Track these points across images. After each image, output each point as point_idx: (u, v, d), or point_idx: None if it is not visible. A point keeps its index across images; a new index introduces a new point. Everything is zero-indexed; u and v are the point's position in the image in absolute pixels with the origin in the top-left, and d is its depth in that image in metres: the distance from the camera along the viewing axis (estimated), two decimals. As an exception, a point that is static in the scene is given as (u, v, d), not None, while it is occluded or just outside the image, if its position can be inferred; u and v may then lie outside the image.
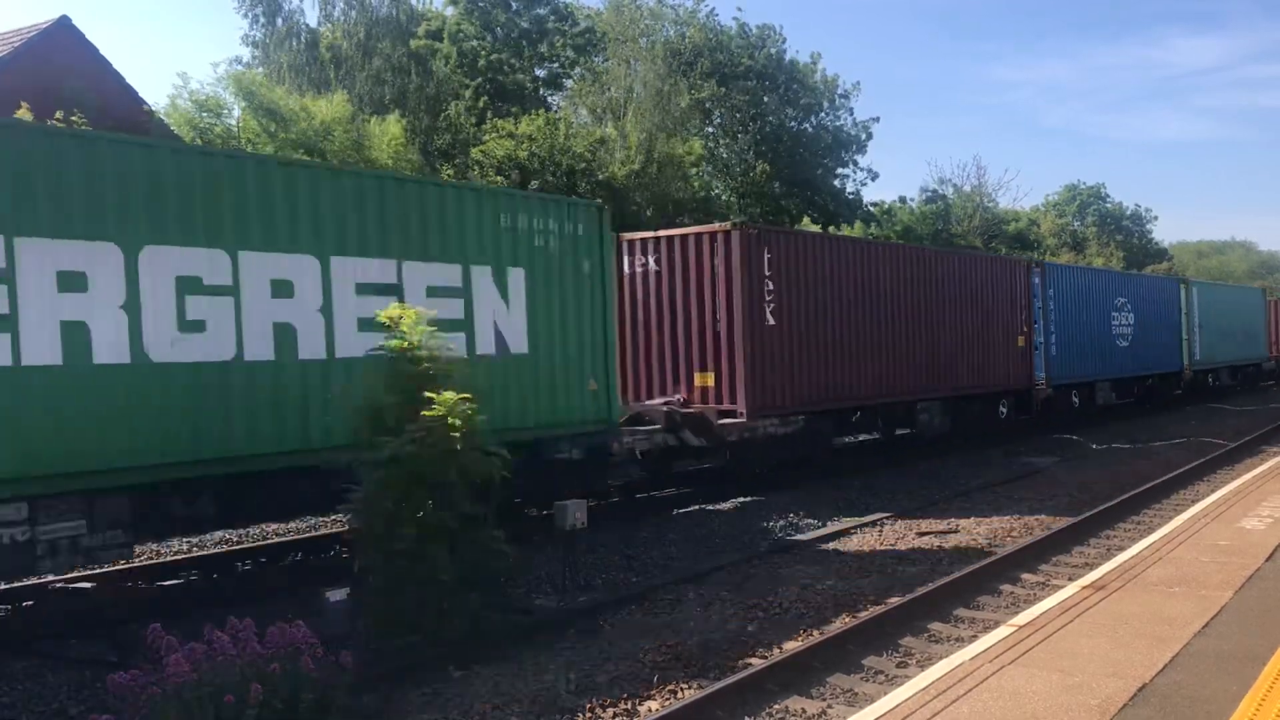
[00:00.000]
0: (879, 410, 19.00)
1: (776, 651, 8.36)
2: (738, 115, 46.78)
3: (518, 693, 7.47)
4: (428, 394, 8.38)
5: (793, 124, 49.05)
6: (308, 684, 5.90)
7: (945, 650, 8.08)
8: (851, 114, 51.25)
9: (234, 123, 21.75)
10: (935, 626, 9.07)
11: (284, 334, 9.61)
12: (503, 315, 11.82)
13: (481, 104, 36.47)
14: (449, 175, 28.55)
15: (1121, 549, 10.52)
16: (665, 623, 9.34)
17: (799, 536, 12.98)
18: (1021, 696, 5.58)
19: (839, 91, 50.49)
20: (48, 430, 8.04)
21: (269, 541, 13.00)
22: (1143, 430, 25.50)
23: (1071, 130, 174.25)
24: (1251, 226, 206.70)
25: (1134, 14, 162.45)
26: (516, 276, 11.98)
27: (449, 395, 8.31)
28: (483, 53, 39.56)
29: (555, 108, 40.25)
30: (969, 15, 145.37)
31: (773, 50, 48.23)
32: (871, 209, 52.48)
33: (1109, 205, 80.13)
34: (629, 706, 7.29)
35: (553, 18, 43.14)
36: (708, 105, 44.38)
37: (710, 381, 15.66)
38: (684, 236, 16.18)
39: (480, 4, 41.40)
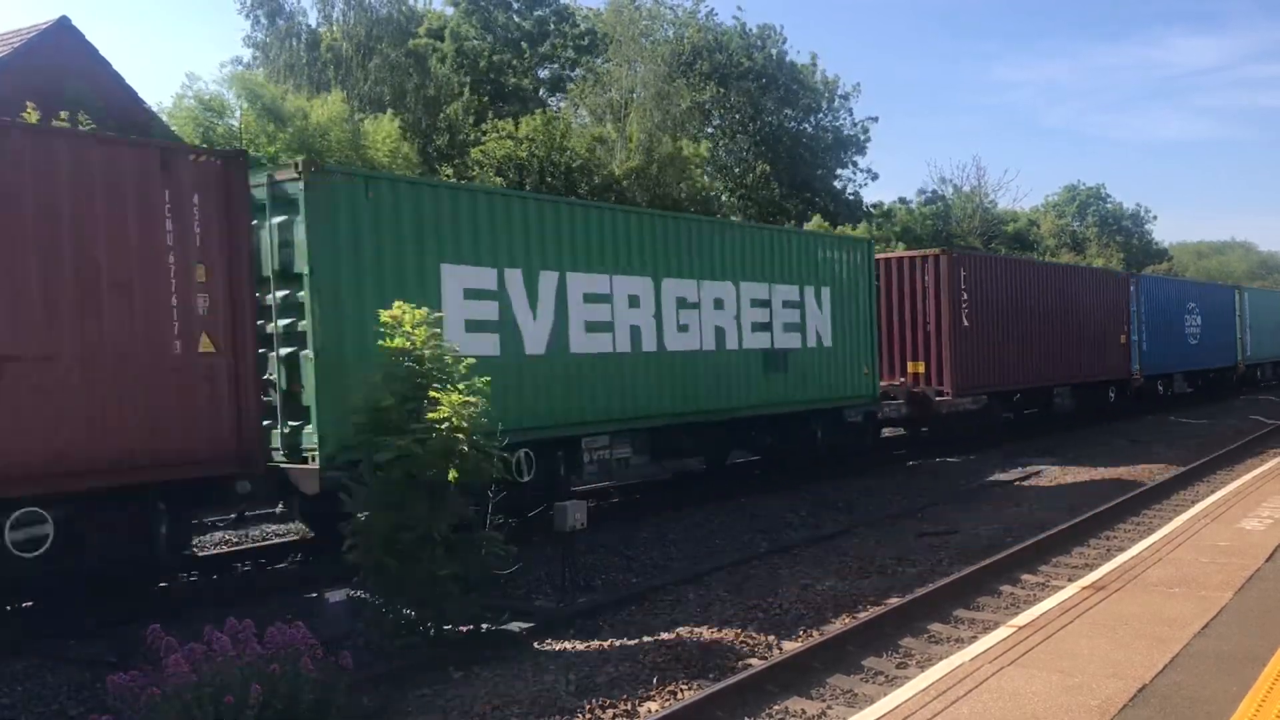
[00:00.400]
0: (1029, 393, 24.23)
1: (776, 652, 8.36)
2: (737, 116, 46.80)
3: (518, 693, 7.47)
4: (432, 394, 8.39)
5: (792, 124, 49.08)
6: (307, 684, 5.90)
7: (945, 651, 8.08)
8: (851, 114, 51.32)
9: (235, 122, 21.73)
10: (935, 627, 9.07)
11: (720, 334, 15.18)
12: (820, 320, 17.04)
13: (481, 104, 36.47)
14: (449, 175, 28.53)
15: (1121, 549, 10.52)
16: (665, 623, 9.34)
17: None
18: (1021, 697, 5.57)
19: (839, 92, 50.54)
20: (622, 393, 13.50)
21: (269, 542, 13.01)
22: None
23: (1071, 130, 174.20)
24: (1251, 226, 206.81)
25: (1134, 14, 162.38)
26: (825, 293, 17.19)
27: (453, 396, 8.31)
28: (484, 53, 39.56)
29: (557, 108, 40.26)
30: (969, 15, 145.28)
31: (773, 51, 48.25)
32: (871, 209, 52.50)
33: (1109, 205, 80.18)
34: (629, 706, 7.29)
35: (554, 18, 43.16)
36: (707, 107, 44.40)
37: (921, 369, 20.52)
38: (900, 259, 21.45)
39: (481, 4, 41.41)
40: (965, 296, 20.69)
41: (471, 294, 11.61)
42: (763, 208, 44.75)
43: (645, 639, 8.80)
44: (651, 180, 32.70)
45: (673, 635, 8.88)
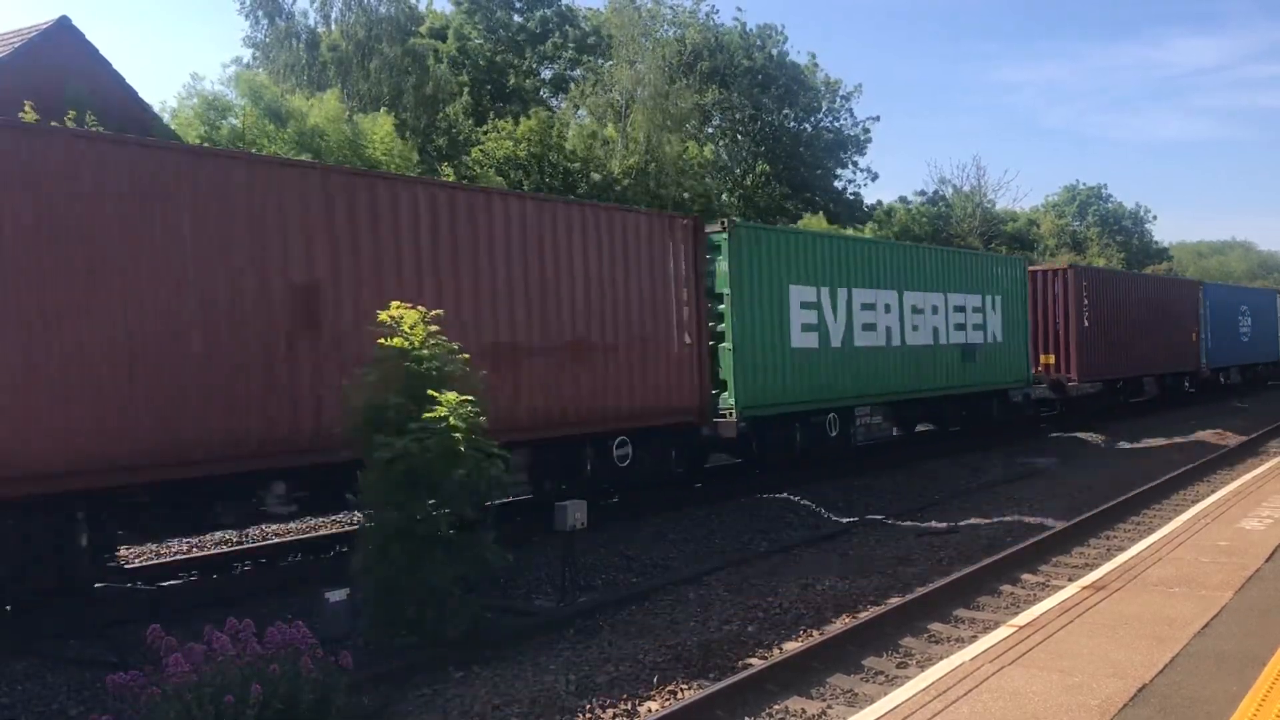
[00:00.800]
0: (1128, 381, 29.22)
1: (776, 652, 8.36)
2: (737, 116, 46.79)
3: (518, 693, 7.47)
4: (430, 393, 8.39)
5: (792, 124, 49.07)
6: (307, 684, 5.89)
7: (945, 650, 8.08)
8: (852, 115, 51.31)
9: (237, 122, 21.72)
10: (935, 626, 9.07)
11: (936, 332, 19.99)
12: (995, 321, 21.97)
13: (481, 104, 36.46)
14: (448, 175, 28.49)
15: (1122, 549, 10.52)
16: (665, 623, 9.34)
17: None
18: (1021, 697, 5.57)
19: (840, 93, 50.54)
20: (880, 375, 18.25)
21: (269, 542, 12.99)
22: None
23: (1072, 130, 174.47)
24: (1251, 226, 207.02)
25: (1134, 14, 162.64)
26: (998, 301, 22.17)
27: (451, 396, 8.31)
28: (485, 52, 39.54)
29: (558, 108, 40.25)
30: (969, 15, 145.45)
31: (773, 51, 48.24)
32: (872, 209, 52.51)
33: (1109, 205, 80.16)
34: (629, 706, 7.29)
35: (556, 18, 43.14)
36: (708, 108, 44.41)
37: (1051, 360, 25.33)
38: (1037, 271, 26.18)
39: (483, 4, 41.39)
40: (1086, 303, 25.81)
41: (804, 305, 16.62)
42: (762, 208, 44.73)
43: (645, 639, 8.80)
44: (651, 180, 32.69)
45: (673, 635, 8.88)
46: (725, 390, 15.11)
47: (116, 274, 8.62)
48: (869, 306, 18.08)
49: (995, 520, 14.38)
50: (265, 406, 9.56)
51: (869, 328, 18.07)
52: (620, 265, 13.36)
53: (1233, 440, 23.69)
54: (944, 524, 14.07)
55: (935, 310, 20.04)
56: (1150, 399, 30.82)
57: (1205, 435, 24.94)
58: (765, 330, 15.76)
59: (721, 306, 15.21)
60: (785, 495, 15.74)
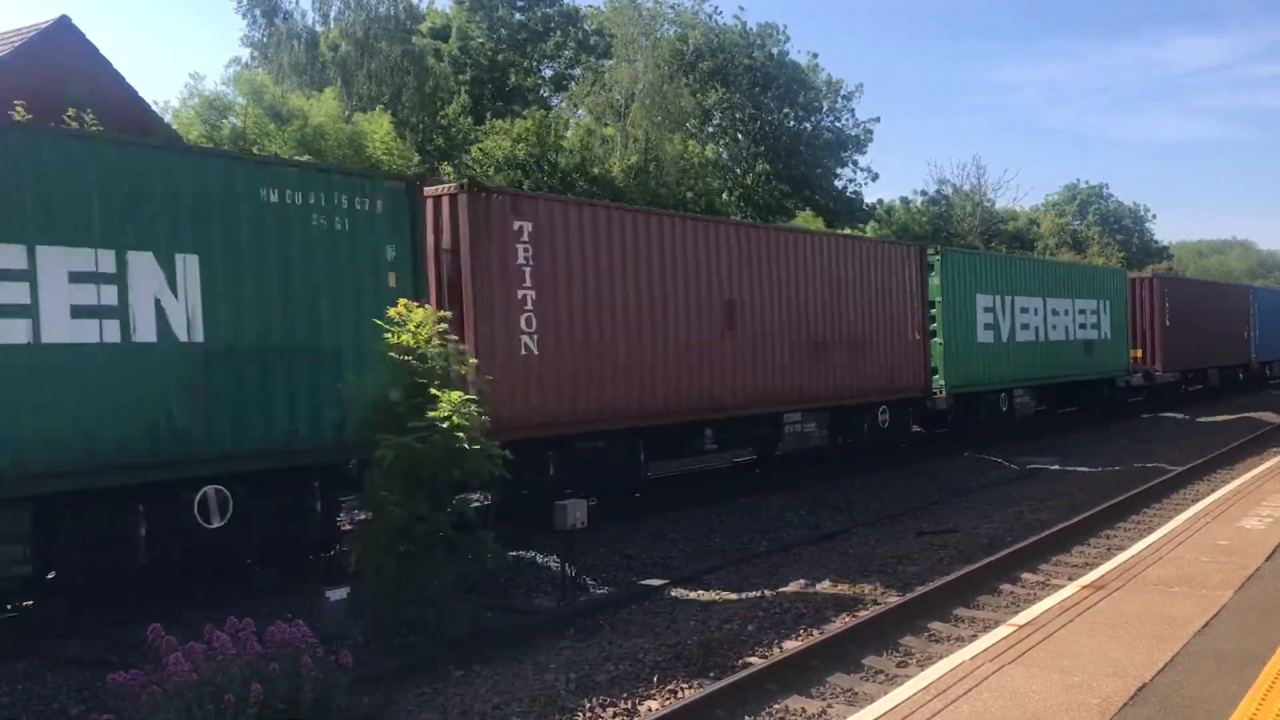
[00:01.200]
0: (1195, 371, 34.14)
1: (776, 651, 8.36)
2: (738, 115, 46.79)
3: (518, 692, 7.47)
4: (433, 392, 8.39)
5: (792, 124, 49.05)
6: (308, 683, 5.90)
7: (945, 649, 8.08)
8: (853, 115, 51.29)
9: (238, 121, 21.72)
10: (935, 626, 9.07)
11: (1067, 330, 24.91)
12: (1105, 321, 27.14)
13: (480, 103, 36.44)
14: (448, 173, 28.50)
15: (1122, 548, 10.52)
16: (665, 622, 9.34)
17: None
18: (1021, 696, 5.57)
19: (841, 93, 50.52)
20: (1029, 365, 23.35)
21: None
22: None
23: (1072, 130, 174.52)
24: (1251, 226, 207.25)
25: (1134, 14, 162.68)
26: (1106, 305, 27.30)
27: (454, 395, 8.30)
28: (487, 51, 39.52)
29: (558, 106, 40.23)
30: (970, 15, 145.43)
31: (774, 50, 48.22)
32: (872, 208, 52.50)
33: (1109, 204, 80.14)
34: (629, 706, 7.28)
35: (558, 18, 43.12)
36: (709, 107, 44.39)
37: (1139, 354, 30.03)
38: (1129, 280, 30.98)
39: (485, 3, 41.37)
40: (1167, 306, 30.91)
41: (985, 309, 21.81)
42: (762, 207, 44.73)
43: (645, 638, 8.80)
44: (651, 179, 32.69)
45: (672, 634, 8.88)
46: (936, 374, 20.26)
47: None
48: (1025, 310, 23.41)
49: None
50: (707, 377, 14.75)
51: (1024, 327, 23.33)
52: (879, 283, 18.53)
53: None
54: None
55: (1066, 313, 25.22)
56: (1212, 387, 36.26)
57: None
58: (961, 329, 20.94)
59: (934, 311, 20.22)
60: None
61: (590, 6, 43.68)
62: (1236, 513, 11.09)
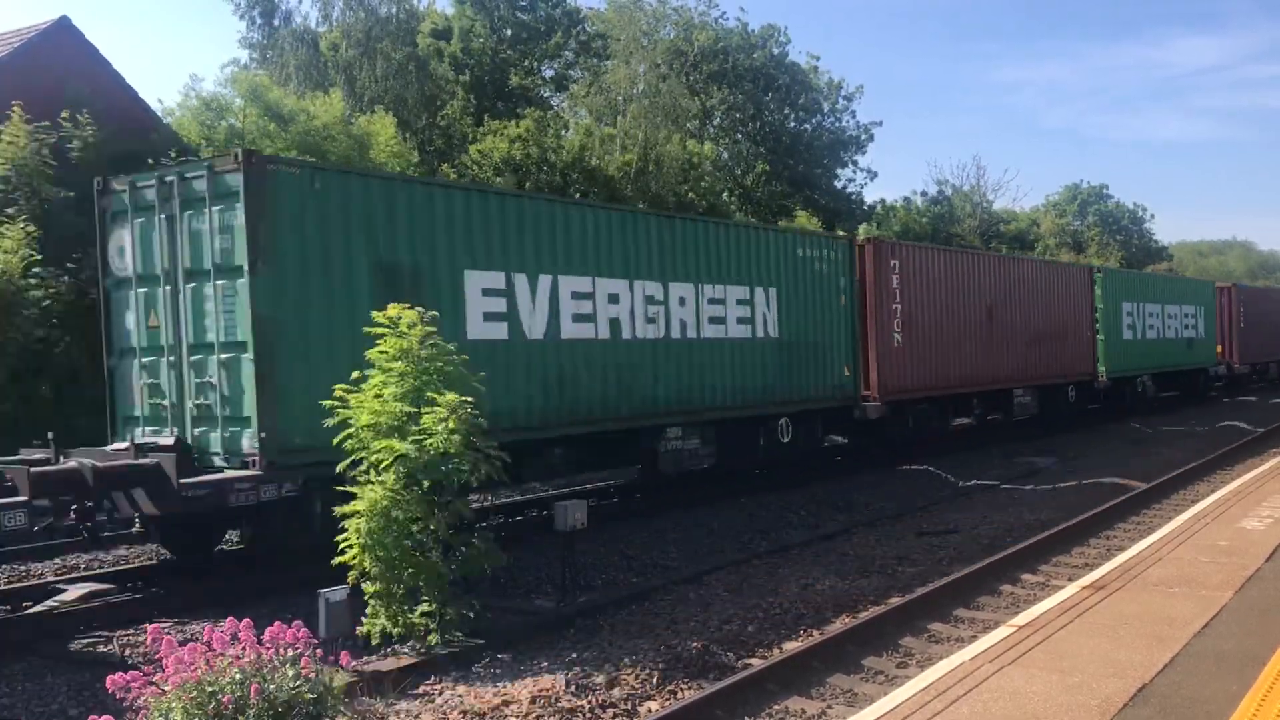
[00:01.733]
0: (1260, 364, 40.47)
1: (776, 651, 8.36)
2: (738, 115, 46.78)
3: (518, 692, 7.47)
4: (430, 395, 8.38)
5: (792, 125, 49.03)
6: (307, 684, 5.89)
7: (945, 650, 8.07)
8: (854, 116, 51.26)
9: (237, 122, 21.65)
10: (935, 626, 9.06)
11: (1173, 329, 32.28)
12: (1200, 323, 34.12)
13: (482, 103, 36.40)
14: (448, 174, 28.47)
15: (1122, 549, 10.52)
16: (665, 623, 9.34)
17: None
18: (1021, 696, 5.57)
19: (842, 93, 50.49)
20: (1143, 357, 30.04)
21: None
22: None
23: (1072, 130, 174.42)
24: (1251, 226, 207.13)
25: (1134, 14, 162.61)
26: (1200, 309, 34.29)
27: (450, 396, 8.30)
28: (488, 51, 39.47)
29: (558, 106, 40.20)
30: (970, 16, 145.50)
31: (775, 50, 48.21)
32: (872, 208, 52.46)
33: (1109, 204, 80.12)
34: (629, 706, 7.28)
35: (560, 18, 43.06)
36: (710, 106, 44.34)
37: (1220, 350, 36.19)
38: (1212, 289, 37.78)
39: (486, 4, 41.30)
40: (1241, 310, 37.38)
41: (1127, 313, 28.22)
42: (762, 207, 44.70)
43: (645, 638, 8.79)
44: (650, 179, 32.66)
45: (672, 634, 8.88)
46: (1099, 363, 26.81)
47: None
48: (1151, 314, 30.25)
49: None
50: (974, 358, 21.09)
51: (1151, 327, 30.21)
52: (1067, 294, 25.66)
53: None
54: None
55: (1175, 316, 32.05)
56: (1272, 379, 42.50)
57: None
58: (1113, 329, 27.57)
59: (1096, 314, 26.92)
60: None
61: (591, 9, 43.68)
62: (1237, 513, 11.09)
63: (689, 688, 7.56)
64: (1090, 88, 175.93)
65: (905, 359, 18.82)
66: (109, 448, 10.31)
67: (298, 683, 5.83)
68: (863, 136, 51.65)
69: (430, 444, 8.18)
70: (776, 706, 7.15)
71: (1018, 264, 25.30)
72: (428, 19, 38.74)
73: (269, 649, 5.89)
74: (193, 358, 10.31)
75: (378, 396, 8.42)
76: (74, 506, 9.48)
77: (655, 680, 7.73)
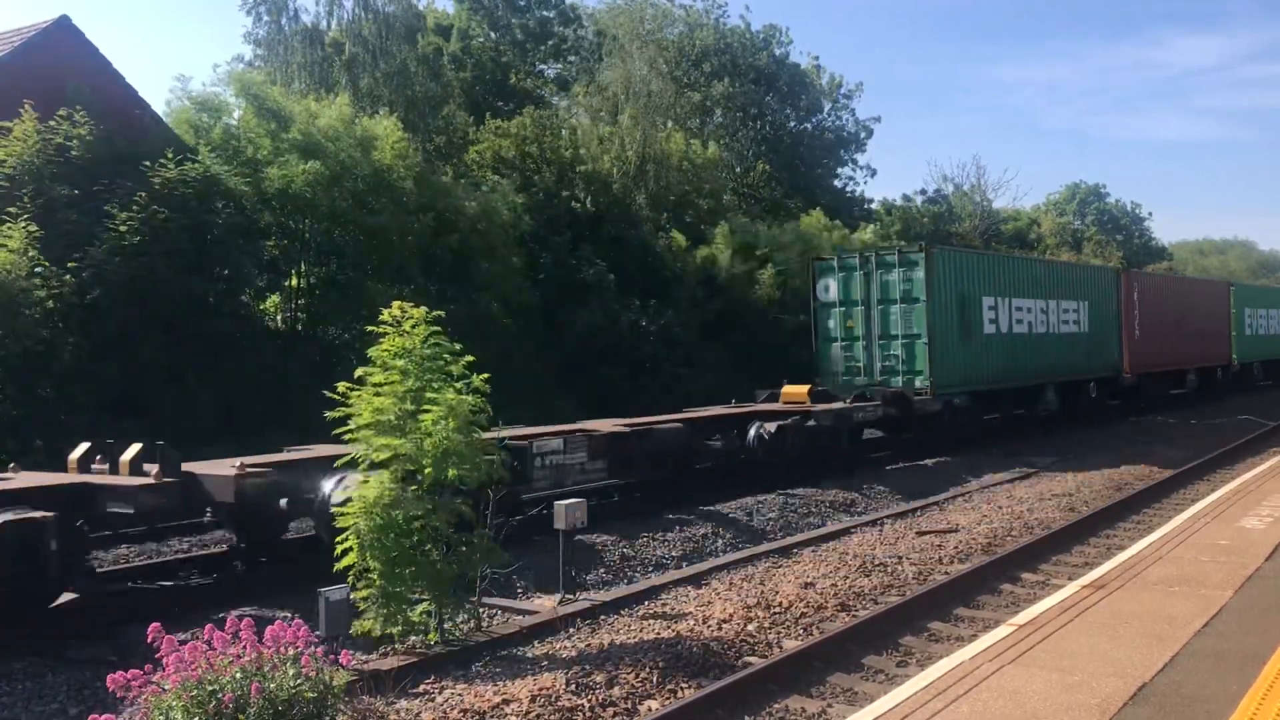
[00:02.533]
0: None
1: (777, 650, 8.35)
2: (738, 115, 46.80)
3: (518, 692, 7.46)
4: (429, 394, 8.37)
5: (793, 124, 49.06)
6: (307, 683, 5.90)
7: (945, 649, 8.08)
8: (854, 114, 51.30)
9: (233, 122, 21.59)
10: (935, 625, 9.07)
11: (1271, 328, 45.00)
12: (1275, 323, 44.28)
13: (482, 103, 36.40)
14: (448, 174, 28.42)
15: (1122, 548, 10.52)
16: (665, 623, 9.33)
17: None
18: (1021, 696, 5.57)
19: (842, 92, 50.53)
20: (1254, 348, 41.34)
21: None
22: None
23: (1072, 130, 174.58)
24: (1251, 226, 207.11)
25: (1134, 14, 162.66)
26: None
27: (449, 395, 8.29)
28: (489, 50, 39.46)
29: (557, 106, 40.19)
30: (970, 15, 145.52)
31: (776, 51, 48.26)
32: (873, 207, 52.49)
33: (1109, 203, 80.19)
34: (629, 706, 7.28)
35: (560, 18, 43.07)
36: (708, 105, 44.34)
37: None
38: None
39: (486, 4, 41.30)
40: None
41: (1249, 315, 39.42)
42: (764, 203, 44.72)
43: (645, 638, 8.79)
44: (651, 180, 32.64)
45: (673, 634, 8.88)
46: (1232, 351, 36.46)
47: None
48: (1263, 317, 39.97)
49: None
50: (1173, 348, 31.75)
51: (1261, 323, 39.39)
52: (1209, 300, 35.09)
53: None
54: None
55: (1276, 317, 41.49)
56: None
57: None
58: (1240, 326, 37.07)
59: (1230, 317, 36.63)
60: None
61: (592, 9, 43.72)
62: (1237, 512, 11.09)
63: (689, 686, 7.56)
64: (1090, 88, 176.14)
65: (1142, 346, 29.31)
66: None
67: (298, 681, 5.84)
68: (862, 134, 51.69)
69: (430, 443, 8.18)
70: (777, 705, 7.15)
71: (1191, 284, 39.22)
72: (428, 17, 38.73)
73: (269, 648, 5.90)
74: (880, 341, 21.32)
75: (377, 394, 8.42)
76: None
77: (655, 679, 7.73)
